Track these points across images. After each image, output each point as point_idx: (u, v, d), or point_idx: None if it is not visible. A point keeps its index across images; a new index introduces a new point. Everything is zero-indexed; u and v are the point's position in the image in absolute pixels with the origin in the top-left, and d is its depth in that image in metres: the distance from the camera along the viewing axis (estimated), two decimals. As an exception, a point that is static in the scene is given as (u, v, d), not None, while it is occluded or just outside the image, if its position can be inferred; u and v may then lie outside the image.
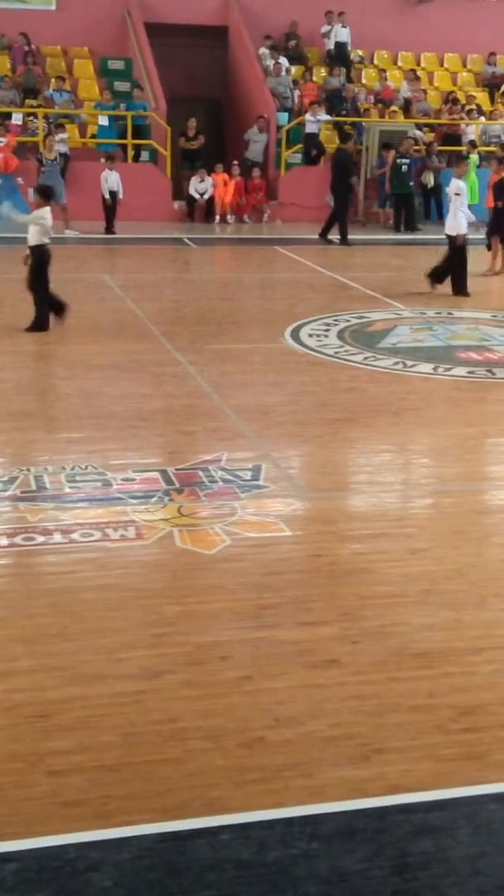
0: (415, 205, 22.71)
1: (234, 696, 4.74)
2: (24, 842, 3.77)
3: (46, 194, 12.16)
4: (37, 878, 3.59)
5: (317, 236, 20.50)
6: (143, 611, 5.53)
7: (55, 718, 4.52)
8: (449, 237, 15.00)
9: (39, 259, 11.83)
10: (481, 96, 26.48)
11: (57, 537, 6.40)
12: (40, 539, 6.37)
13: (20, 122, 22.28)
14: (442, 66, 27.75)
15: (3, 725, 4.45)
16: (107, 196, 20.22)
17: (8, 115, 22.27)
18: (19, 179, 21.37)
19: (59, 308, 12.00)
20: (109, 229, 20.35)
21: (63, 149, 21.04)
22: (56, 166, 20.01)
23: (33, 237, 11.81)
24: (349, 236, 20.25)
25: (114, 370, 10.37)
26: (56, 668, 4.93)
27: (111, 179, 20.20)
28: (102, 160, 21.16)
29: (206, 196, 22.55)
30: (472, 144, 23.45)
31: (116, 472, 7.50)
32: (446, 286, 15.06)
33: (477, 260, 16.35)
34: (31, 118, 22.36)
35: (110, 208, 20.34)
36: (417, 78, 26.03)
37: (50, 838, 3.79)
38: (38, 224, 11.74)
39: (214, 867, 3.66)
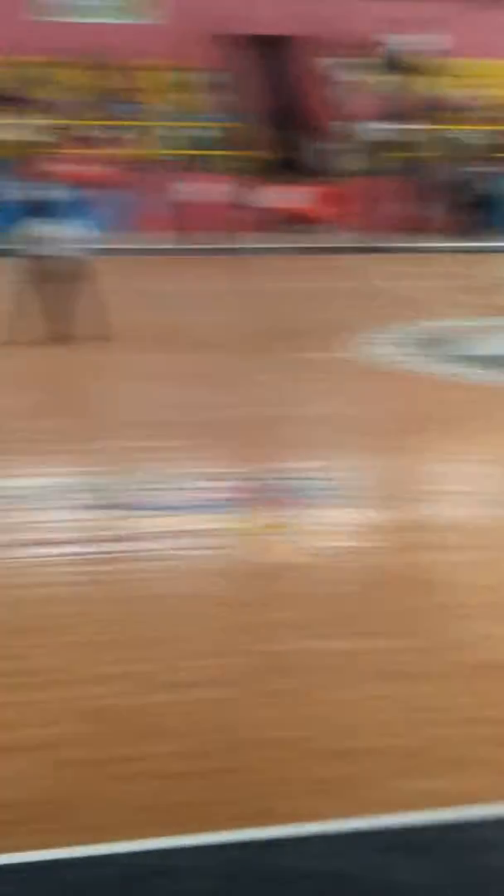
0: None
1: (308, 706, 4.73)
2: (91, 848, 3.79)
3: (31, 209, 12.00)
4: (99, 883, 3.61)
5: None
6: (218, 619, 5.56)
7: (133, 724, 4.56)
8: None
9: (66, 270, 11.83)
10: None
11: (133, 545, 6.47)
12: (117, 547, 6.44)
13: (99, 135, 22.52)
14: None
15: (86, 731, 4.48)
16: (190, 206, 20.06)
17: (85, 129, 22.53)
18: (88, 191, 21.59)
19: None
20: (198, 239, 20.15)
21: (137, 160, 21.21)
22: (145, 178, 20.10)
23: None
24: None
25: (190, 380, 10.44)
26: (133, 675, 4.97)
27: (195, 190, 20.09)
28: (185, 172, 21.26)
29: (280, 205, 22.43)
30: None
31: (191, 480, 7.56)
32: None
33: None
34: (109, 131, 22.58)
35: (195, 218, 20.18)
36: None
37: (115, 845, 3.80)
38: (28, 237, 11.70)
39: (274, 878, 3.65)
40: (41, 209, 13.90)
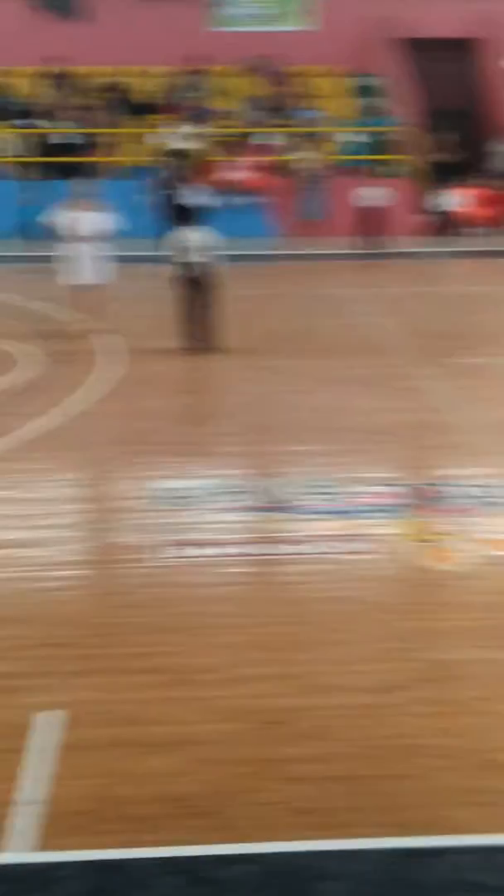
0: None
1: (469, 715, 4.64)
2: (259, 845, 3.81)
3: (182, 216, 12.02)
4: (270, 883, 3.62)
5: None
6: (377, 625, 5.51)
7: (289, 726, 4.56)
8: None
9: (197, 279, 11.82)
10: None
11: (293, 548, 6.47)
12: (277, 549, 6.46)
13: (271, 142, 22.75)
14: None
15: (240, 730, 4.53)
16: (366, 210, 20.12)
17: (257, 135, 22.79)
18: (264, 198, 21.90)
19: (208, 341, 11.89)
20: (374, 244, 20.20)
21: (313, 166, 21.27)
22: (316, 183, 20.24)
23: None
24: None
25: (353, 384, 10.41)
26: (291, 677, 4.98)
27: (370, 194, 20.08)
28: (359, 177, 21.33)
29: (453, 209, 22.28)
30: None
31: (353, 485, 7.51)
32: None
33: None
34: (282, 137, 22.79)
35: (370, 223, 20.20)
36: None
37: (283, 844, 3.82)
38: (190, 246, 11.74)
39: (448, 888, 3.59)
40: (199, 216, 14.20)
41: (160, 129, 22.46)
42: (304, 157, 20.55)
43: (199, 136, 22.25)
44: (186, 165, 20.94)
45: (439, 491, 7.40)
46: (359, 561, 6.30)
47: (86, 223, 12.61)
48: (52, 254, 13.10)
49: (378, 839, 3.84)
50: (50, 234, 13.07)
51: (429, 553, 6.39)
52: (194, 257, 11.70)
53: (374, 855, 3.76)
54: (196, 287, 11.75)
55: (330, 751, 4.38)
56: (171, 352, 11.83)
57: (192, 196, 19.36)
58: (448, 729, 4.53)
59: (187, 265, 11.72)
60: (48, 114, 23.27)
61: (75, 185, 13.08)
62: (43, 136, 22.83)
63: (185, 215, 18.49)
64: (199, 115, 22.79)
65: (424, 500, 7.25)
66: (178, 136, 21.98)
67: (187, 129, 22.16)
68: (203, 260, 11.72)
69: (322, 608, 5.70)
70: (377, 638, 5.35)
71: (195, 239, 11.79)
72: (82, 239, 12.57)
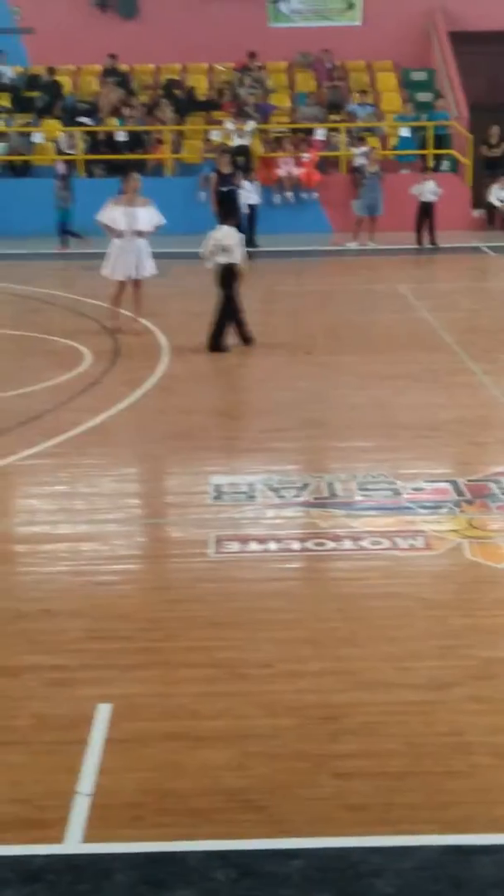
0: None
1: (523, 714, 4.63)
2: (310, 840, 3.84)
3: (223, 214, 11.89)
4: (321, 878, 3.65)
5: None
6: (430, 621, 5.51)
7: (341, 722, 4.59)
8: None
9: (224, 278, 11.74)
10: None
11: (347, 544, 6.48)
12: (331, 545, 6.48)
13: (323, 138, 22.74)
14: None
15: (293, 725, 4.57)
16: (424, 204, 19.99)
17: (311, 131, 22.78)
18: (314, 194, 21.90)
19: (246, 338, 11.81)
20: (432, 241, 20.11)
21: (363, 161, 21.24)
22: (376, 179, 20.16)
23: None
24: None
25: (406, 380, 10.38)
26: (343, 672, 5.00)
27: (426, 189, 19.97)
28: (408, 171, 21.15)
29: (506, 203, 22.11)
30: None
31: (407, 481, 7.51)
32: None
33: None
34: (333, 133, 22.77)
35: (424, 217, 20.11)
36: None
37: (334, 839, 3.85)
38: (217, 245, 11.65)
39: (499, 885, 3.59)
40: (240, 213, 14.04)
41: (218, 127, 22.51)
42: (360, 153, 20.42)
43: (255, 132, 22.24)
44: (243, 162, 20.95)
45: (493, 488, 7.37)
46: (413, 557, 6.29)
47: (133, 218, 12.69)
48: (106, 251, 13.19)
49: (429, 836, 3.86)
50: (102, 231, 13.15)
51: (483, 550, 6.37)
52: (220, 256, 11.65)
53: (425, 852, 3.77)
54: (224, 284, 11.71)
55: (382, 747, 4.40)
56: (205, 348, 11.83)
57: (245, 193, 19.42)
58: (500, 727, 4.53)
59: (217, 263, 11.68)
60: (111, 112, 23.45)
61: (126, 180, 13.09)
62: (105, 133, 23.00)
63: (232, 211, 18.57)
64: (255, 112, 22.78)
65: (479, 496, 7.22)
66: (236, 132, 22.00)
67: (244, 125, 22.15)
68: (227, 258, 11.66)
69: (376, 604, 5.71)
70: (430, 635, 5.35)
71: (219, 237, 11.71)
72: (131, 234, 12.65)
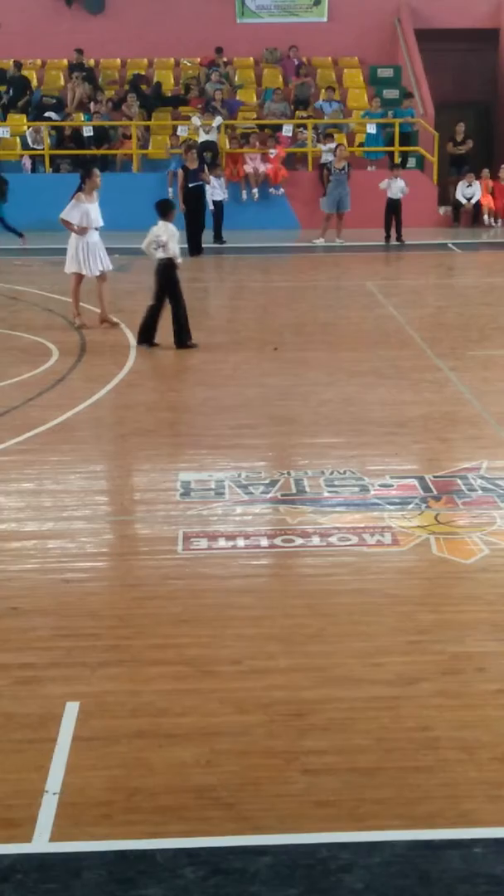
0: None
1: (489, 708, 4.66)
2: (279, 837, 3.85)
3: (159, 210, 11.81)
4: (290, 874, 3.66)
5: None
6: (398, 617, 5.53)
7: (310, 718, 4.59)
8: None
9: (160, 274, 11.75)
10: None
11: (315, 540, 6.50)
12: (299, 541, 6.49)
13: (290, 134, 22.74)
14: None
15: (261, 721, 4.57)
16: (392, 201, 20.02)
17: (278, 128, 22.78)
18: (280, 191, 21.91)
19: (150, 337, 11.78)
20: (399, 237, 20.16)
21: (330, 158, 21.26)
22: (344, 175, 20.19)
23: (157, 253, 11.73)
24: None
25: (374, 376, 10.41)
26: (312, 669, 5.01)
27: (395, 186, 20.00)
28: (373, 168, 21.17)
29: (473, 201, 22.23)
30: None
31: (374, 477, 7.53)
32: None
33: None
34: (300, 129, 22.77)
35: (392, 215, 20.13)
36: None
37: (303, 836, 3.86)
38: (153, 241, 11.63)
39: (466, 879, 3.61)
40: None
41: (185, 122, 22.45)
42: (342, 150, 20.37)
43: (222, 128, 22.20)
44: (210, 158, 20.94)
45: (460, 484, 7.41)
46: (380, 553, 6.32)
47: (97, 214, 12.68)
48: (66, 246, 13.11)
49: (398, 831, 3.88)
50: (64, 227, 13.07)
51: (449, 545, 6.40)
52: (157, 251, 11.63)
53: (394, 847, 3.79)
54: (163, 279, 11.70)
55: (350, 743, 4.41)
56: (172, 345, 11.82)
57: (211, 189, 19.38)
58: (467, 721, 4.55)
59: (155, 258, 11.67)
60: (78, 106, 23.33)
61: (91, 177, 13.01)
62: (71, 128, 22.88)
63: (199, 207, 18.52)
64: (222, 108, 22.73)
65: (445, 492, 7.26)
66: (202, 128, 21.96)
67: (211, 121, 22.12)
68: (163, 253, 11.64)
69: (344, 600, 5.72)
70: (397, 630, 5.37)
71: (155, 232, 11.66)
72: (91, 230, 12.64)
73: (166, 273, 11.68)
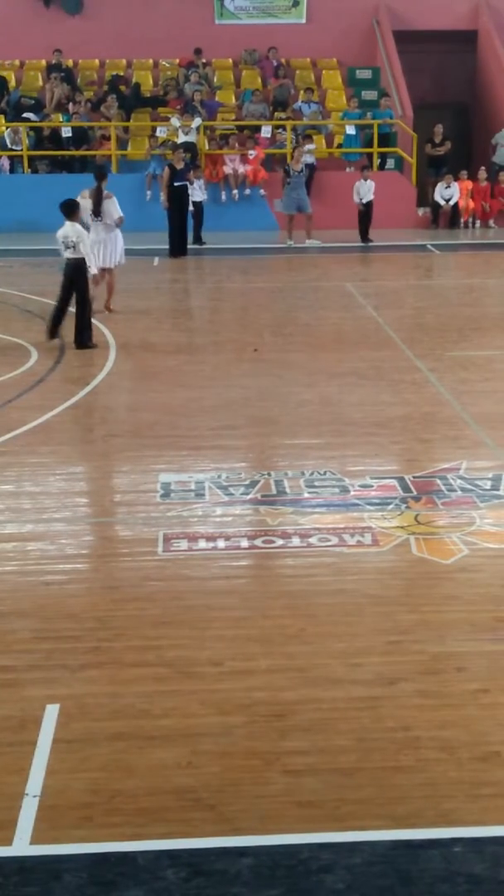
0: None
1: (469, 708, 4.68)
2: (260, 838, 3.85)
3: (64, 211, 11.85)
4: (271, 875, 3.66)
5: None
6: (379, 617, 5.54)
7: (291, 719, 4.60)
8: None
9: (69, 274, 11.86)
10: None
11: (295, 541, 6.50)
12: (279, 542, 6.49)
13: (269, 135, 22.75)
14: None
15: (242, 723, 4.57)
16: (360, 205, 20.14)
17: (258, 129, 22.78)
18: (262, 191, 21.91)
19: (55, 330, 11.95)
20: (365, 238, 20.26)
21: (310, 159, 21.29)
22: (302, 178, 20.25)
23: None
24: None
25: (353, 377, 10.43)
26: (292, 670, 5.01)
27: (364, 188, 20.12)
28: (352, 169, 21.21)
29: (451, 202, 22.31)
30: None
31: (354, 478, 7.55)
32: None
33: None
34: (279, 130, 22.78)
35: (365, 217, 20.25)
36: None
37: (284, 836, 3.86)
38: (62, 242, 11.79)
39: (447, 879, 3.63)
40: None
41: (164, 123, 22.42)
42: (299, 151, 20.37)
43: (201, 129, 22.18)
44: (189, 159, 20.90)
45: (439, 484, 7.43)
46: (360, 554, 6.33)
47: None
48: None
49: (379, 831, 3.88)
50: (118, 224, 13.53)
51: (429, 546, 6.42)
52: (66, 251, 11.70)
53: (374, 847, 3.80)
54: (72, 279, 11.76)
55: (331, 743, 4.42)
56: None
57: (191, 190, 19.36)
58: (447, 721, 4.57)
59: (65, 258, 11.77)
60: (56, 107, 23.26)
61: (104, 175, 13.66)
62: (49, 129, 22.81)
63: (182, 206, 18.52)
64: (201, 109, 22.71)
65: (425, 493, 7.28)
66: (182, 129, 21.93)
67: (190, 122, 22.09)
68: (73, 254, 11.69)
69: (324, 601, 5.73)
70: (377, 631, 5.39)
71: (64, 233, 11.69)
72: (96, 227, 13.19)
73: (76, 273, 11.79)
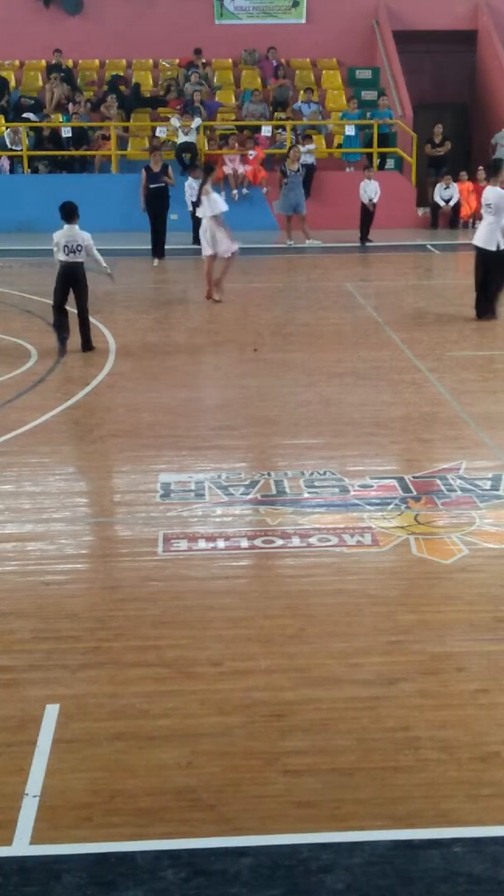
0: None
1: (469, 708, 4.68)
2: (260, 838, 3.85)
3: (64, 214, 11.70)
4: (271, 875, 3.66)
5: None
6: (378, 617, 5.54)
7: (291, 719, 4.60)
8: None
9: (64, 276, 11.76)
10: None
11: (295, 541, 6.50)
12: (279, 542, 6.49)
13: (269, 135, 22.74)
14: None
15: (242, 723, 4.57)
16: (370, 204, 20.12)
17: (257, 129, 22.78)
18: (264, 190, 21.90)
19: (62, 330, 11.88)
20: (365, 238, 20.26)
21: (310, 159, 21.28)
22: (299, 178, 20.24)
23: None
24: None
25: (353, 377, 10.43)
26: (292, 670, 5.01)
27: (370, 188, 20.10)
28: (352, 169, 21.15)
29: (451, 202, 22.30)
30: None
31: (354, 478, 7.55)
32: None
33: None
34: (279, 130, 22.79)
35: (367, 217, 20.24)
36: None
37: (284, 836, 3.86)
38: (55, 243, 11.70)
39: (446, 879, 3.63)
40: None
41: (164, 123, 22.41)
42: (295, 151, 20.36)
43: (201, 129, 22.18)
44: (189, 159, 20.90)
45: (439, 484, 7.43)
46: (360, 554, 6.33)
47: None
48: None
49: (378, 831, 3.89)
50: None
51: (429, 546, 6.42)
52: (59, 254, 11.63)
53: (374, 847, 3.80)
54: (66, 284, 11.68)
55: (331, 743, 4.42)
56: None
57: (190, 190, 19.31)
58: (447, 721, 4.57)
59: (59, 261, 11.68)
60: (56, 107, 23.27)
61: (212, 169, 14.89)
62: (49, 129, 22.80)
63: (162, 208, 18.47)
64: (201, 108, 22.71)
65: (425, 493, 7.28)
66: (182, 129, 21.92)
67: (190, 122, 22.09)
68: (72, 258, 11.63)
69: (324, 601, 5.73)
70: (377, 631, 5.39)
71: (67, 237, 11.61)
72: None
73: (72, 277, 11.66)
